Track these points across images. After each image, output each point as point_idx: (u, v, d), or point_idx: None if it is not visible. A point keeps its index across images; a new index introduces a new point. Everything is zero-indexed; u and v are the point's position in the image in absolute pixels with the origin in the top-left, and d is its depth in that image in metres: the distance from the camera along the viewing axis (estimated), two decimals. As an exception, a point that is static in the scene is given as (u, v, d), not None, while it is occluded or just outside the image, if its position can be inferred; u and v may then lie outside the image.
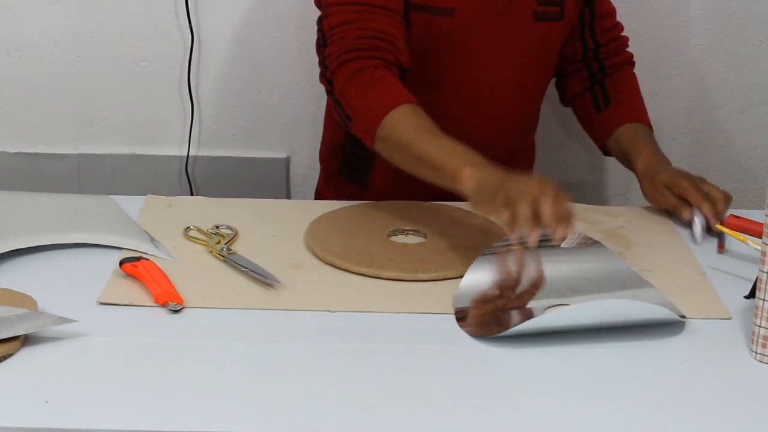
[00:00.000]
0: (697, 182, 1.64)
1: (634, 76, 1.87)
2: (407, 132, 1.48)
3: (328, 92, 1.59)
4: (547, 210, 1.31)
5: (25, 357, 1.23)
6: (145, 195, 1.67)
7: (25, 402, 1.15)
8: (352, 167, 1.83)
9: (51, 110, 2.23)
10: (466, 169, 1.40)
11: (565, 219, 1.32)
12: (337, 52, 1.56)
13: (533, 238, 1.32)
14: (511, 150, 1.78)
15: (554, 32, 1.75)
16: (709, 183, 1.65)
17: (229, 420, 1.13)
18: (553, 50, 1.79)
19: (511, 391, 1.20)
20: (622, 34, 1.88)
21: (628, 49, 1.88)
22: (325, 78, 1.59)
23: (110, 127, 2.25)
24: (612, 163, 2.28)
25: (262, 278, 1.40)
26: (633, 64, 1.88)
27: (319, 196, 1.92)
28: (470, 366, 1.25)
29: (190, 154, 2.25)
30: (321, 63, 1.61)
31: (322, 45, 1.61)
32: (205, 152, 2.27)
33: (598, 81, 1.84)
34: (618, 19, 1.86)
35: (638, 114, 1.80)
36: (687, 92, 2.23)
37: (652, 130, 1.79)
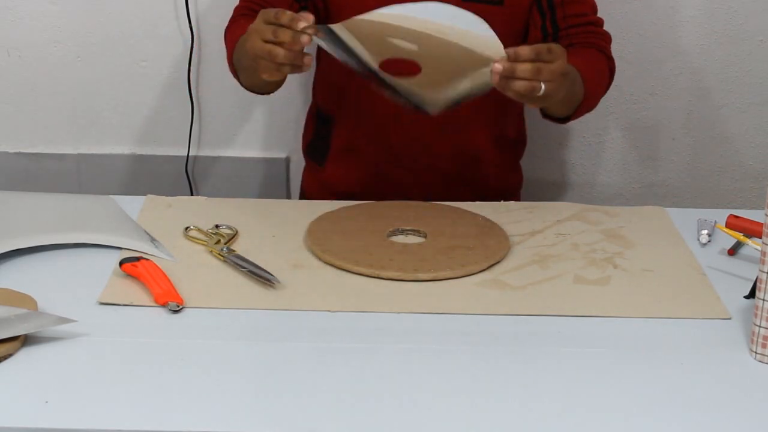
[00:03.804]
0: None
1: (594, 54, 1.75)
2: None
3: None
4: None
5: (25, 357, 1.23)
6: (145, 195, 1.67)
7: (25, 402, 1.15)
8: (315, 146, 1.92)
9: (51, 110, 2.23)
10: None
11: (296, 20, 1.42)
12: (234, 10, 1.81)
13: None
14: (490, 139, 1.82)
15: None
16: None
17: (229, 420, 1.13)
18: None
19: (511, 391, 1.20)
20: (604, 29, 1.80)
21: (606, 45, 1.78)
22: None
23: (110, 127, 2.25)
24: (612, 163, 2.29)
25: (262, 278, 1.40)
26: (602, 53, 1.77)
27: (302, 183, 2.00)
28: (470, 366, 1.25)
29: (190, 154, 2.25)
30: None
31: None
32: (205, 152, 2.27)
33: None
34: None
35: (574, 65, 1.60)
36: (687, 92, 2.23)
37: (584, 86, 1.66)
